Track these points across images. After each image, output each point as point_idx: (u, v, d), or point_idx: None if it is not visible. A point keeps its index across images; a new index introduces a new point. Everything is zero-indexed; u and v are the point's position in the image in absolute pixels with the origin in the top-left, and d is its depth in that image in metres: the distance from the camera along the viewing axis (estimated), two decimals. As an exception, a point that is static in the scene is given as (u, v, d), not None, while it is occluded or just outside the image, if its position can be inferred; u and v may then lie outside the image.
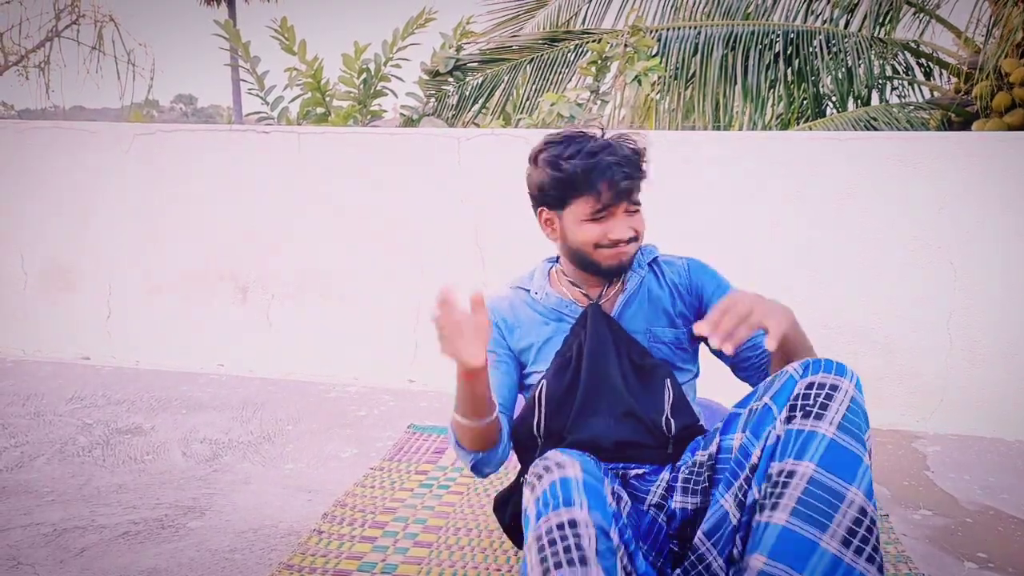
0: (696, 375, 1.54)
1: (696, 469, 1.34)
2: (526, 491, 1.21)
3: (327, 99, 3.97)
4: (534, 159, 1.46)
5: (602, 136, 1.42)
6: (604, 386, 1.41)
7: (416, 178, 2.87)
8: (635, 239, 1.42)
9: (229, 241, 3.02)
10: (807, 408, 1.14)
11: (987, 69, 4.87)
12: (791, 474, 1.10)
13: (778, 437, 1.16)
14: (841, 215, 2.61)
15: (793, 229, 2.64)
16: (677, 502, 1.34)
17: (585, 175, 1.37)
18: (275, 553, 1.67)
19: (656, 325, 1.48)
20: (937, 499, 2.01)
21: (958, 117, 5.41)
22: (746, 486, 1.20)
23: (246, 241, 3.01)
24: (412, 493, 1.97)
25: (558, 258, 1.57)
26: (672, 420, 1.41)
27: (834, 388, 1.15)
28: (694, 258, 1.57)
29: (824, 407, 1.13)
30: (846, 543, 1.04)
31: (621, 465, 1.39)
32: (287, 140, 2.93)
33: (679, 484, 1.35)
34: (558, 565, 1.08)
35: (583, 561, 1.09)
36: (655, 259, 1.55)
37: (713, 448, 1.31)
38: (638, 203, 1.41)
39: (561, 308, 1.50)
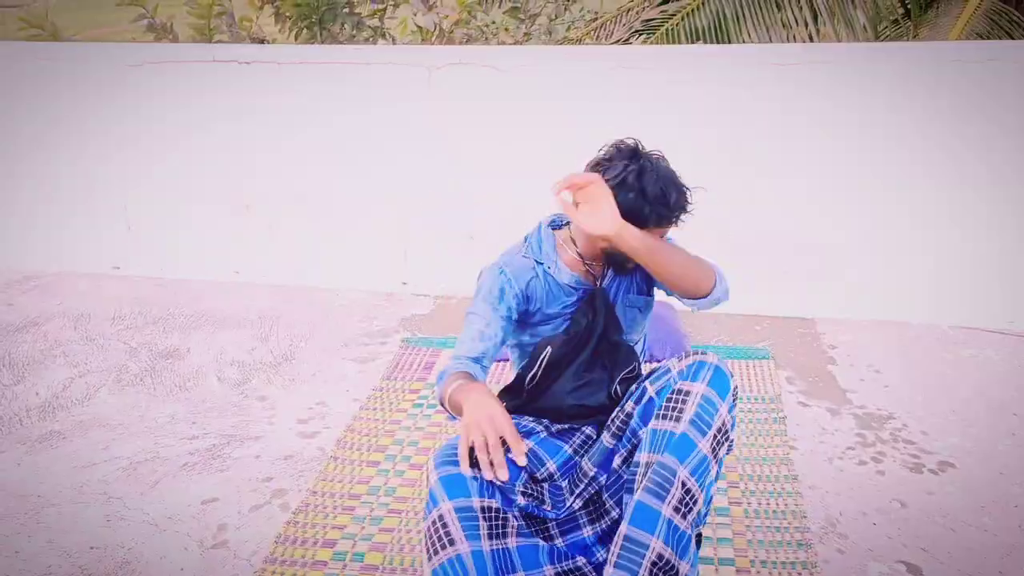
0: (651, 306, 1.83)
1: (623, 417, 1.68)
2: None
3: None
4: (624, 182, 1.58)
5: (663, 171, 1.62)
6: (596, 365, 1.72)
7: (389, 102, 3.08)
8: None
9: (228, 165, 3.29)
10: (668, 414, 1.53)
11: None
12: (647, 465, 1.52)
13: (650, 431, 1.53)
14: (772, 132, 2.83)
15: (728, 143, 2.87)
16: (606, 440, 1.75)
17: (670, 218, 1.62)
18: (303, 479, 2.17)
19: (631, 291, 1.76)
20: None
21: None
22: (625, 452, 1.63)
23: (243, 165, 3.28)
24: (407, 414, 2.45)
25: (560, 224, 1.75)
26: (619, 387, 1.73)
27: (687, 394, 1.51)
28: None
29: (680, 411, 1.52)
30: (676, 510, 1.47)
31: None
32: (269, 71, 3.10)
33: (613, 426, 1.69)
34: (435, 552, 1.47)
35: (451, 543, 1.46)
36: None
37: (629, 406, 1.66)
38: None
39: (575, 285, 1.71)
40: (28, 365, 2.78)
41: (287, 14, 4.72)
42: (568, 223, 1.76)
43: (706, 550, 1.82)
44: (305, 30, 4.76)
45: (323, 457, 2.25)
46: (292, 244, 3.38)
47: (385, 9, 5.13)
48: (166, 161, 3.35)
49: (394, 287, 3.31)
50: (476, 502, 1.51)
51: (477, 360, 1.68)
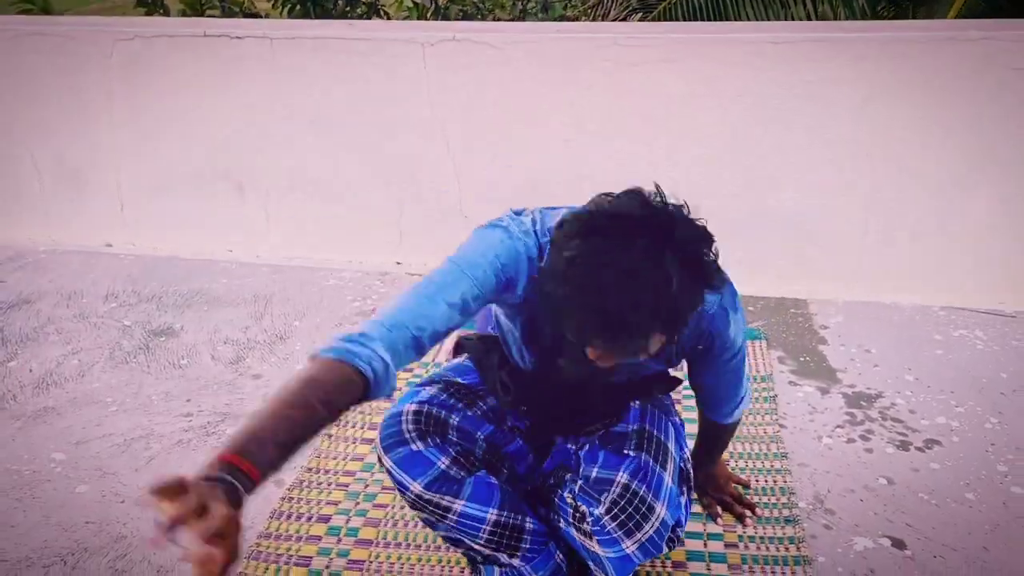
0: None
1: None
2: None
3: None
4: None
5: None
6: (562, 390, 1.51)
7: (383, 79, 3.06)
8: None
9: (220, 142, 3.27)
10: (625, 521, 1.38)
11: None
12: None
13: (598, 519, 1.39)
14: (767, 112, 2.82)
15: (720, 122, 2.86)
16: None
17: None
18: (297, 455, 2.18)
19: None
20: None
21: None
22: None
23: (236, 142, 3.26)
24: (401, 392, 2.45)
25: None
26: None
27: (650, 510, 1.38)
28: (724, 306, 1.40)
29: (639, 526, 1.38)
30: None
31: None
32: (260, 46, 3.08)
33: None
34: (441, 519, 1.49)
35: (447, 509, 1.48)
36: None
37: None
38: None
39: None
40: (21, 342, 2.78)
41: (280, -10, 4.69)
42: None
43: (695, 526, 1.84)
44: (298, 6, 4.73)
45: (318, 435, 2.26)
46: (286, 223, 3.37)
47: (380, -13, 5.10)
48: (158, 138, 3.33)
49: (388, 266, 3.31)
50: (442, 463, 1.47)
51: (418, 338, 1.23)
